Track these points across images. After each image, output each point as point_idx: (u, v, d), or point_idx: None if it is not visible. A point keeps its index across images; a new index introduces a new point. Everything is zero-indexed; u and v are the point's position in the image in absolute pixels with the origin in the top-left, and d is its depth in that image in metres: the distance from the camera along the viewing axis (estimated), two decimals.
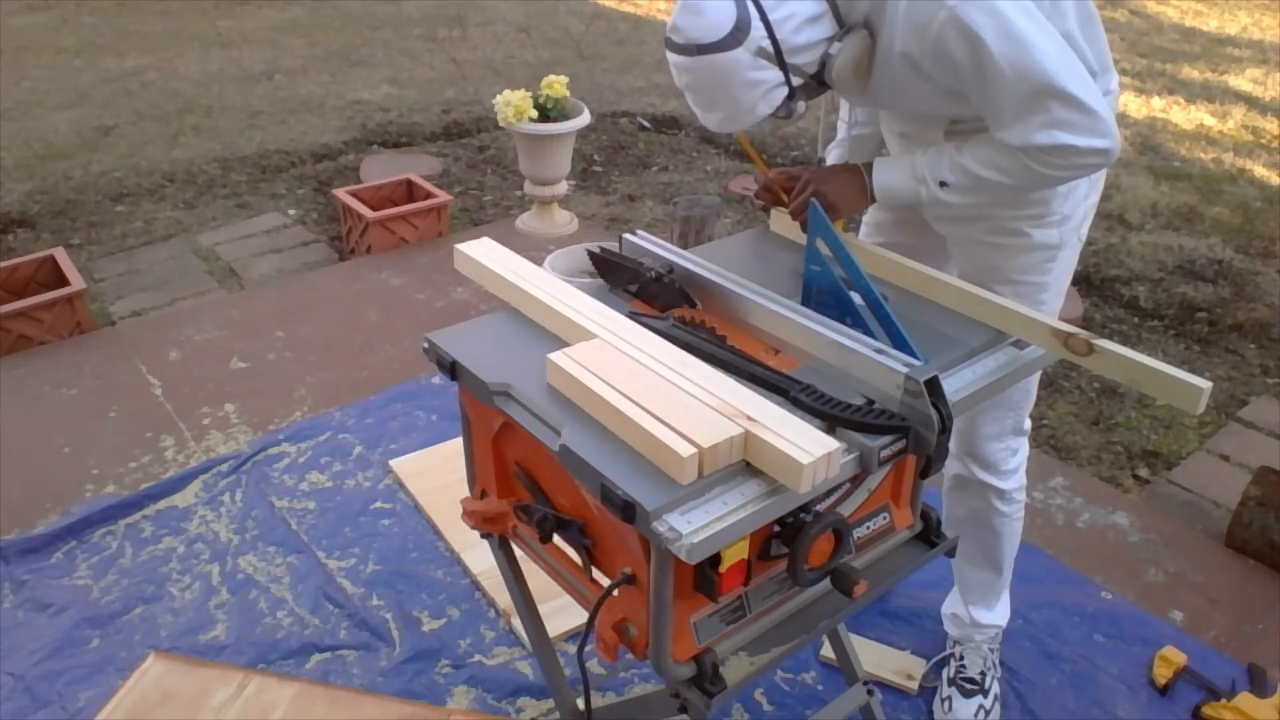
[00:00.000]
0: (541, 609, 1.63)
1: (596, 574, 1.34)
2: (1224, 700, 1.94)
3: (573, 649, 2.02)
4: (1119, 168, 4.93)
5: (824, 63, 1.41)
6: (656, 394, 1.15)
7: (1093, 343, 1.28)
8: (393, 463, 2.64)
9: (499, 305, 1.49)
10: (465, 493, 1.55)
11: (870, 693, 1.66)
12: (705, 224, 2.97)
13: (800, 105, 1.46)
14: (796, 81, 1.41)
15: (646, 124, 5.53)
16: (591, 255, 1.56)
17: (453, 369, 1.34)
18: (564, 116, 3.29)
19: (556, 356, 1.23)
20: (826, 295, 1.45)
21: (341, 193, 3.99)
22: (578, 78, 5.78)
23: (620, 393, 1.15)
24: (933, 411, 1.15)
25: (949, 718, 1.90)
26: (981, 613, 1.98)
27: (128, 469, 2.64)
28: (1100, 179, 1.66)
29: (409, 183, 4.13)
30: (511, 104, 3.19)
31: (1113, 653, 2.10)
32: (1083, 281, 3.79)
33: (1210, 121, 5.75)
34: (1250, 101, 6.14)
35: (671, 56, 1.40)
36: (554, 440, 1.16)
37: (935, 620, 2.10)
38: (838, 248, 1.41)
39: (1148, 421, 2.96)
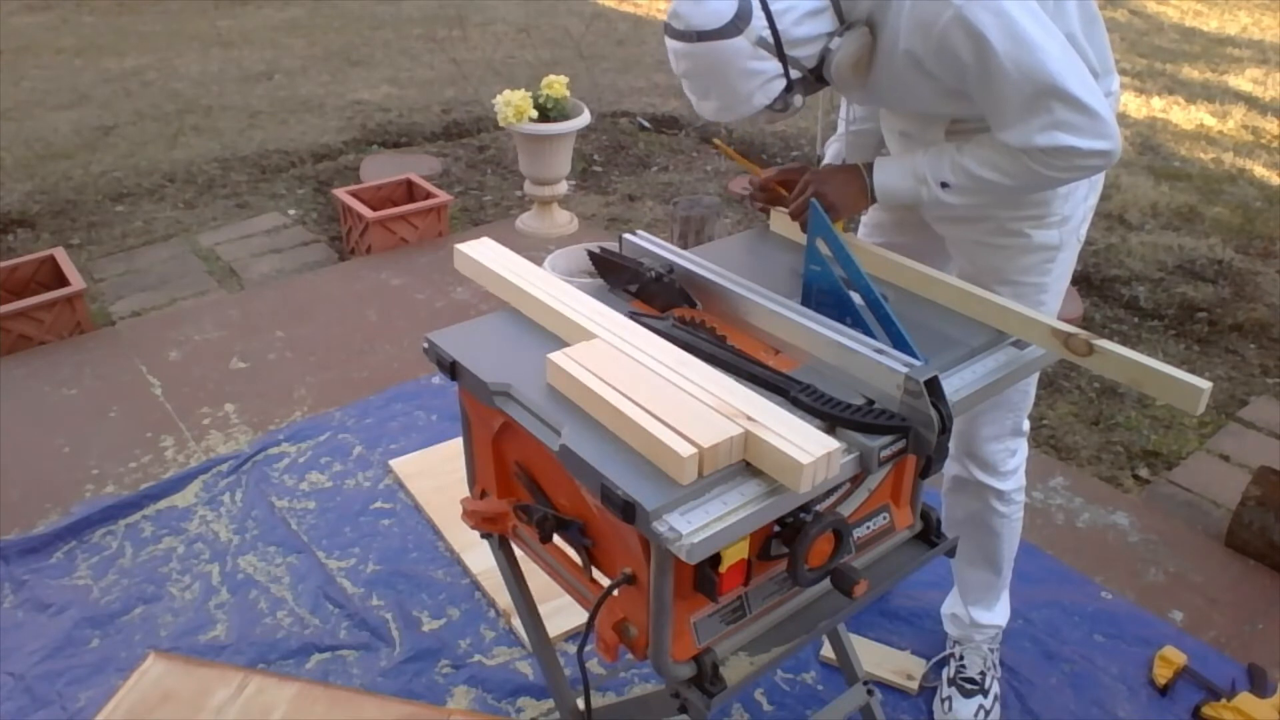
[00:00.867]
0: (541, 609, 1.63)
1: (596, 574, 1.34)
2: (1224, 700, 1.94)
3: (573, 649, 2.02)
4: (1119, 167, 4.93)
5: (824, 58, 1.41)
6: (656, 394, 1.15)
7: (1093, 343, 1.28)
8: (393, 463, 2.64)
9: (499, 305, 1.49)
10: (465, 493, 1.55)
11: (870, 693, 1.66)
12: (705, 224, 2.97)
13: (798, 99, 1.45)
14: (795, 75, 1.41)
15: (646, 124, 5.53)
16: (591, 255, 1.56)
17: (453, 369, 1.34)
18: (564, 116, 3.29)
19: (556, 356, 1.23)
20: (826, 295, 1.45)
21: (341, 193, 3.99)
22: (578, 78, 5.78)
23: (620, 393, 1.15)
24: (933, 411, 1.15)
25: (949, 718, 1.90)
26: (981, 613, 1.98)
27: (128, 469, 2.64)
28: (1100, 180, 1.66)
29: (409, 183, 4.13)
30: (511, 104, 3.19)
31: (1113, 653, 2.10)
32: (1083, 281, 3.79)
33: (1210, 121, 5.75)
34: (1250, 101, 6.14)
35: (670, 42, 1.40)
36: (554, 440, 1.16)
37: (935, 620, 2.10)
38: (838, 248, 1.41)
39: (1148, 421, 2.96)
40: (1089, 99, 1.32)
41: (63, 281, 3.31)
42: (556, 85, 3.27)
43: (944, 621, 2.06)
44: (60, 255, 3.42)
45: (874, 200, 1.55)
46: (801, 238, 1.64)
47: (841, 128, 1.82)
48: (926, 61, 1.37)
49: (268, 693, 1.59)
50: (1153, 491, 2.66)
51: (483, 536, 1.56)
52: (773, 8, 1.35)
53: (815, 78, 1.44)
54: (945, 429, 1.16)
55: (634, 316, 1.38)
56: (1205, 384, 1.21)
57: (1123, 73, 6.54)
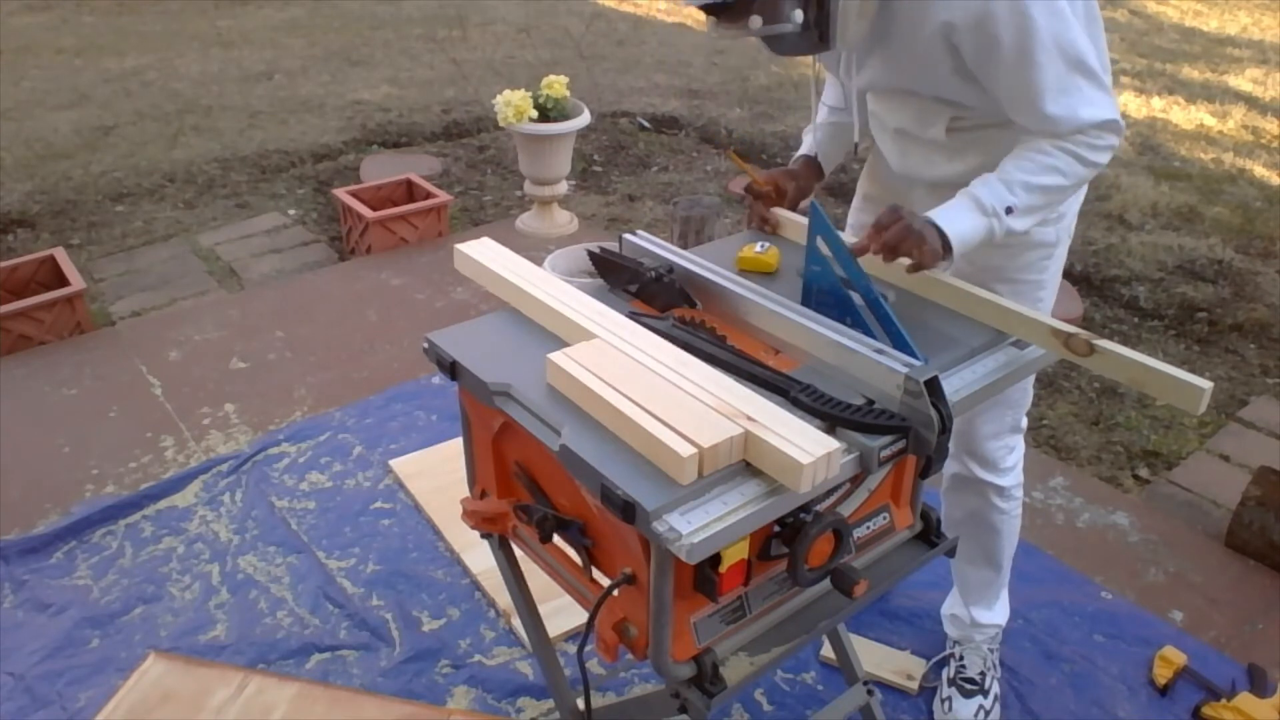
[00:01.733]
0: (541, 609, 1.62)
1: (596, 574, 1.33)
2: (1224, 700, 1.94)
3: (573, 649, 2.02)
4: (1119, 168, 4.93)
5: None
6: (656, 394, 1.15)
7: (1093, 343, 1.28)
8: (393, 463, 2.64)
9: (499, 305, 1.48)
10: (465, 493, 1.55)
11: (870, 693, 1.66)
12: (705, 224, 2.97)
13: (798, 14, 1.36)
14: None
15: (646, 124, 5.53)
16: (591, 255, 1.56)
17: (453, 369, 1.34)
18: (564, 116, 3.29)
19: (556, 356, 1.23)
20: (826, 295, 1.44)
21: (341, 193, 3.99)
22: (578, 78, 5.78)
23: (620, 393, 1.15)
24: (933, 411, 1.15)
25: (949, 718, 1.90)
26: (981, 612, 1.98)
27: (128, 469, 2.64)
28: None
29: (409, 183, 4.13)
30: (511, 104, 3.19)
31: (1113, 653, 2.10)
32: (1083, 281, 3.79)
33: (1210, 121, 5.75)
34: (1250, 101, 6.14)
35: None
36: (554, 440, 1.16)
37: (935, 620, 2.10)
38: (837, 248, 1.40)
39: (1148, 421, 2.96)
40: (1103, 75, 1.35)
41: (63, 281, 3.31)
42: (556, 85, 3.27)
43: (944, 622, 2.06)
44: (60, 255, 3.42)
45: (947, 257, 1.41)
46: (801, 238, 1.64)
47: (822, 115, 1.79)
48: (961, 35, 1.35)
49: (268, 693, 1.59)
50: (1153, 491, 2.66)
51: (483, 536, 1.56)
52: None
53: (818, 17, 1.37)
54: (945, 429, 1.16)
55: (634, 316, 1.38)
56: (1206, 384, 1.21)
57: (1123, 73, 6.55)
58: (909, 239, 1.38)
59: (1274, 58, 7.20)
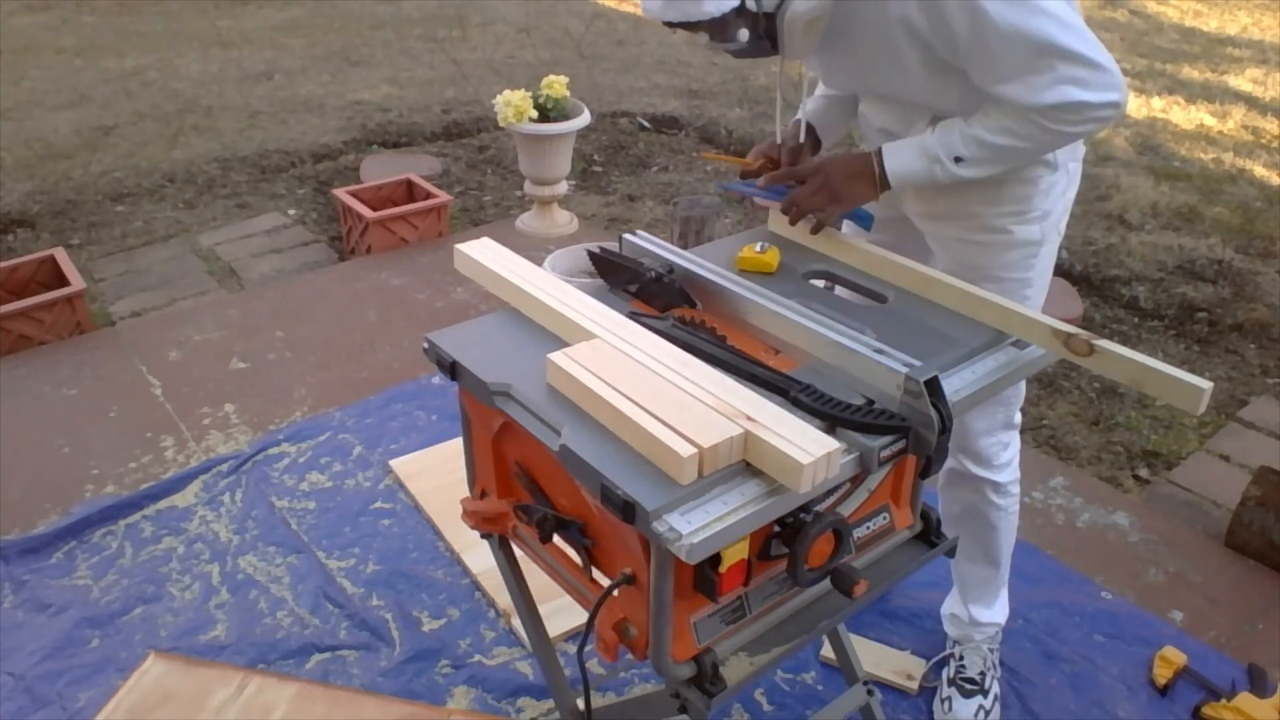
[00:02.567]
0: (541, 609, 1.62)
1: (596, 574, 1.34)
2: (1224, 700, 1.94)
3: (573, 649, 2.02)
4: (1119, 168, 4.93)
5: (781, 5, 1.39)
6: (656, 394, 1.15)
7: (1093, 343, 1.28)
8: (393, 463, 2.64)
9: (499, 305, 1.48)
10: (465, 493, 1.55)
11: (870, 693, 1.66)
12: (705, 224, 2.97)
13: (743, 34, 1.41)
14: (750, 5, 1.38)
15: (646, 124, 5.53)
16: (591, 255, 1.56)
17: (453, 369, 1.34)
18: (564, 116, 3.28)
19: (556, 356, 1.23)
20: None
21: (341, 193, 3.99)
22: (578, 78, 5.78)
23: (620, 393, 1.15)
24: (933, 411, 1.15)
25: (949, 718, 1.90)
26: (980, 610, 1.98)
27: (128, 469, 2.64)
28: (1078, 174, 1.66)
29: (409, 183, 4.13)
30: (511, 104, 3.19)
31: (1113, 653, 2.10)
32: (1083, 281, 3.79)
33: (1210, 121, 5.75)
34: (1250, 101, 6.14)
35: None
36: (554, 440, 1.16)
37: (935, 620, 2.10)
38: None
39: (1148, 421, 2.96)
40: (1091, 52, 1.32)
41: (63, 281, 3.31)
42: (556, 85, 3.26)
43: (944, 621, 2.06)
44: (60, 255, 3.42)
45: (885, 188, 1.52)
46: (800, 237, 1.64)
47: (818, 91, 1.80)
48: (920, 27, 1.37)
49: (268, 693, 1.59)
50: (1153, 491, 2.66)
51: (483, 536, 1.56)
52: None
53: (767, 30, 1.42)
54: (945, 429, 1.16)
55: (634, 316, 1.38)
56: (1206, 384, 1.21)
57: (1123, 73, 6.53)
58: (812, 201, 1.54)
59: (1274, 58, 7.20)
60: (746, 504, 1.07)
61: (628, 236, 1.61)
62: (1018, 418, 1.81)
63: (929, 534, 1.44)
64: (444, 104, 5.78)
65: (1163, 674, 2.01)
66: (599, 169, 4.93)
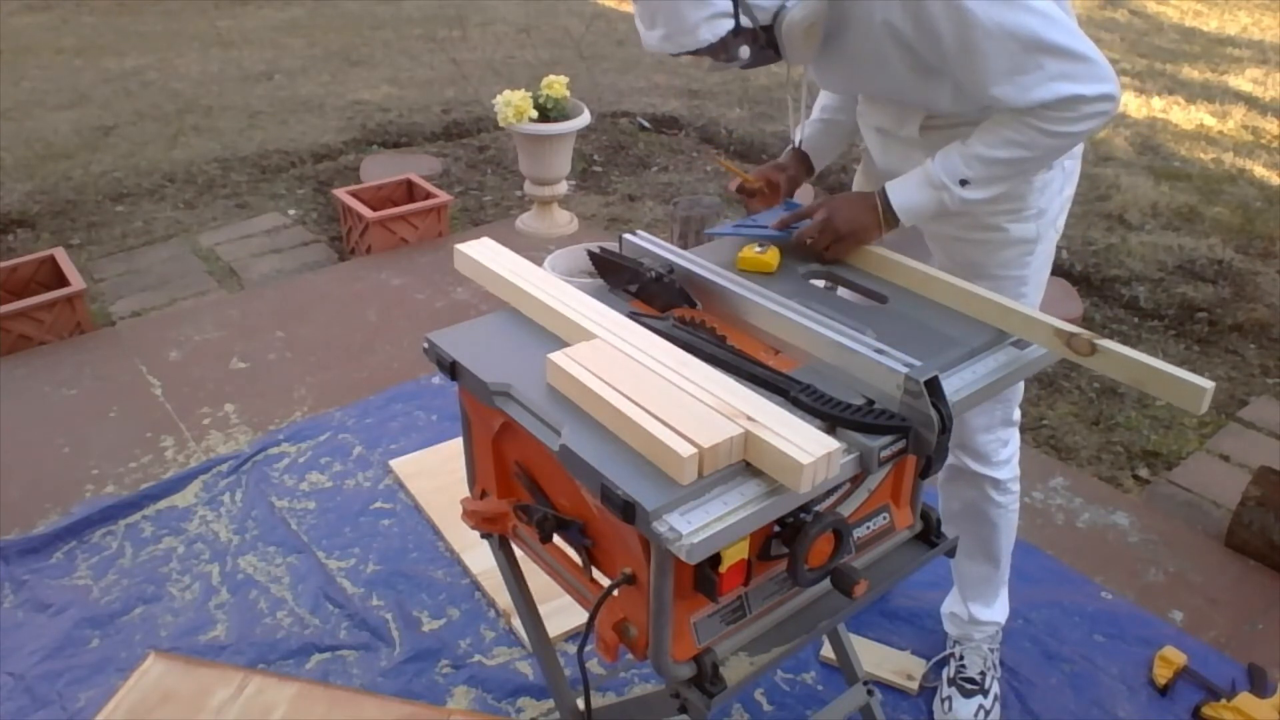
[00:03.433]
0: (541, 609, 1.62)
1: (596, 574, 1.33)
2: (1224, 700, 1.94)
3: (573, 649, 2.02)
4: (1119, 168, 4.93)
5: (778, 16, 1.40)
6: (656, 394, 1.15)
7: (1096, 343, 1.28)
8: (393, 463, 2.64)
9: (499, 305, 1.48)
10: (465, 493, 1.55)
11: (870, 693, 1.66)
12: (705, 224, 2.97)
13: (744, 51, 1.43)
14: (745, 23, 1.39)
15: (646, 124, 5.53)
16: (591, 255, 1.56)
17: (453, 369, 1.34)
18: (564, 116, 3.29)
19: (556, 356, 1.23)
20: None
21: (341, 193, 3.99)
22: (578, 78, 5.78)
23: (620, 393, 1.15)
24: (933, 411, 1.15)
25: (949, 718, 1.90)
26: (980, 609, 1.98)
27: (128, 469, 2.64)
28: (1075, 172, 1.66)
29: (409, 183, 4.13)
30: (511, 104, 3.19)
31: (1113, 653, 2.10)
32: (1083, 281, 3.79)
33: (1210, 121, 5.75)
34: (1250, 101, 6.14)
35: None
36: (554, 440, 1.16)
37: (935, 620, 2.10)
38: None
39: (1148, 421, 2.96)
40: (1078, 45, 1.32)
41: (63, 281, 3.30)
42: (556, 85, 3.26)
43: (944, 621, 2.06)
44: (60, 255, 3.42)
45: (891, 225, 1.52)
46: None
47: (814, 113, 1.81)
48: (905, 32, 1.37)
49: (268, 693, 1.59)
50: (1153, 491, 2.66)
51: (483, 536, 1.56)
52: None
53: (767, 40, 1.43)
54: (945, 429, 1.16)
55: (634, 316, 1.38)
56: (1208, 384, 1.21)
57: (1123, 73, 6.54)
58: (819, 240, 1.55)
59: (1274, 58, 7.20)
60: (746, 504, 1.07)
61: (628, 236, 1.61)
62: (1017, 415, 1.81)
63: (929, 534, 1.44)
64: (444, 104, 5.78)
65: (1163, 674, 2.01)
66: (599, 169, 4.93)
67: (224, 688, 1.59)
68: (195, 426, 2.82)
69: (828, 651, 2.03)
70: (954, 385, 1.29)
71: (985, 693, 1.92)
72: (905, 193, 1.49)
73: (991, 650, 2.01)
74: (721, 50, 1.41)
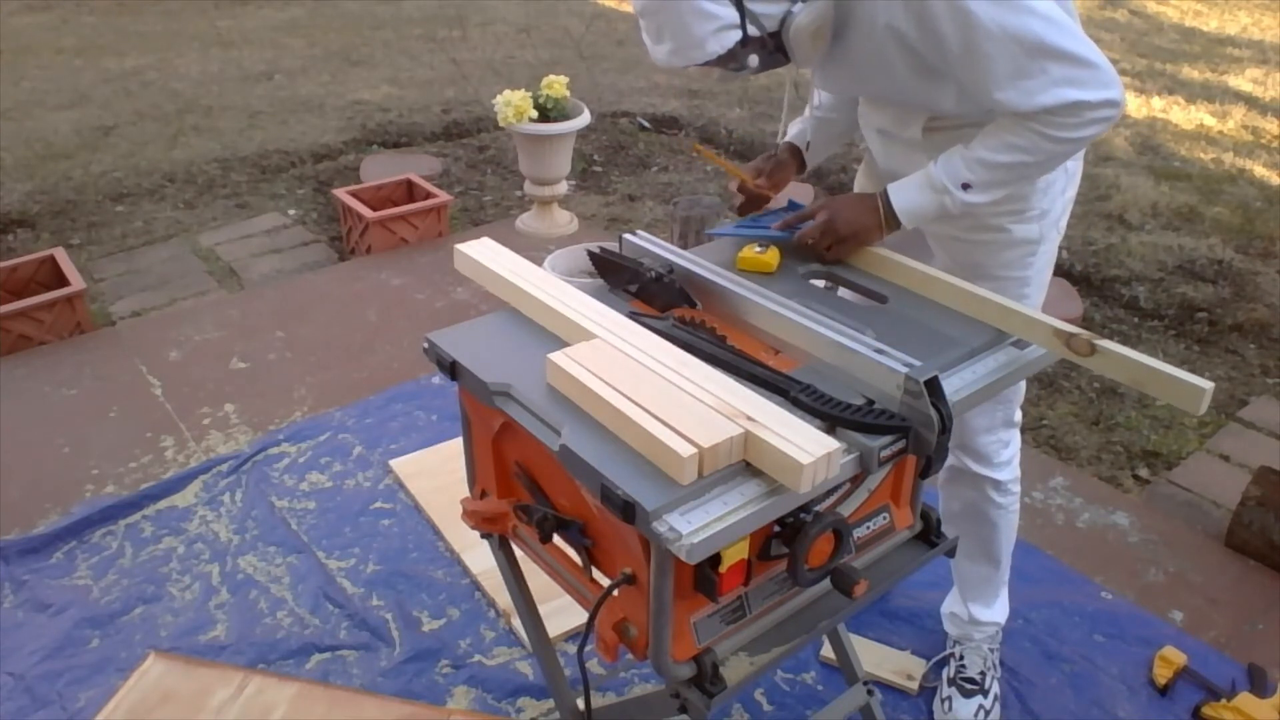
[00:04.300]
0: (541, 609, 1.62)
1: (596, 574, 1.33)
2: (1224, 700, 1.94)
3: (573, 649, 2.02)
4: (1119, 168, 4.93)
5: (784, 23, 1.40)
6: (656, 394, 1.15)
7: (1095, 343, 1.28)
8: (393, 463, 2.64)
9: (499, 305, 1.48)
10: (465, 493, 1.55)
11: (870, 693, 1.66)
12: (705, 224, 2.97)
13: (753, 59, 1.43)
14: (753, 32, 1.39)
15: (646, 124, 5.53)
16: (591, 255, 1.56)
17: (453, 369, 1.34)
18: (564, 116, 3.29)
19: (556, 356, 1.23)
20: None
21: (341, 193, 3.99)
22: (578, 78, 5.78)
23: (620, 393, 1.15)
24: (933, 411, 1.15)
25: (949, 718, 1.90)
26: (980, 609, 1.98)
27: (128, 469, 2.64)
28: (1078, 172, 1.65)
29: (409, 183, 4.13)
30: (511, 104, 3.19)
31: (1113, 653, 2.10)
32: (1083, 281, 3.79)
33: (1210, 121, 5.75)
34: (1250, 101, 6.14)
35: None
36: (554, 440, 1.16)
37: (935, 620, 2.10)
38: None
39: (1148, 421, 2.96)
40: (1083, 50, 1.31)
41: (63, 281, 3.31)
42: (556, 85, 3.26)
43: (944, 620, 2.06)
44: (60, 255, 3.42)
45: (893, 227, 1.52)
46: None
47: (808, 111, 1.81)
48: (908, 35, 1.37)
49: (268, 693, 1.59)
50: (1153, 491, 2.66)
51: (483, 536, 1.56)
52: None
53: (775, 46, 1.43)
54: (945, 429, 1.16)
55: (634, 316, 1.38)
56: (1208, 384, 1.21)
57: (1122, 73, 6.54)
58: (821, 240, 1.54)
59: (1274, 58, 7.20)
60: (746, 504, 1.07)
61: (628, 236, 1.61)
62: (1018, 416, 1.81)
63: (929, 534, 1.44)
64: (444, 104, 5.78)
65: (1163, 674, 2.01)
66: (599, 169, 4.93)
67: (224, 688, 1.59)
68: (195, 426, 2.82)
69: (828, 651, 2.03)
70: (954, 385, 1.29)
71: (985, 693, 1.92)
72: (907, 195, 1.49)
73: (991, 650, 2.01)
74: (731, 60, 1.41)
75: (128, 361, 3.15)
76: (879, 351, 1.25)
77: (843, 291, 1.58)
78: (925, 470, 1.22)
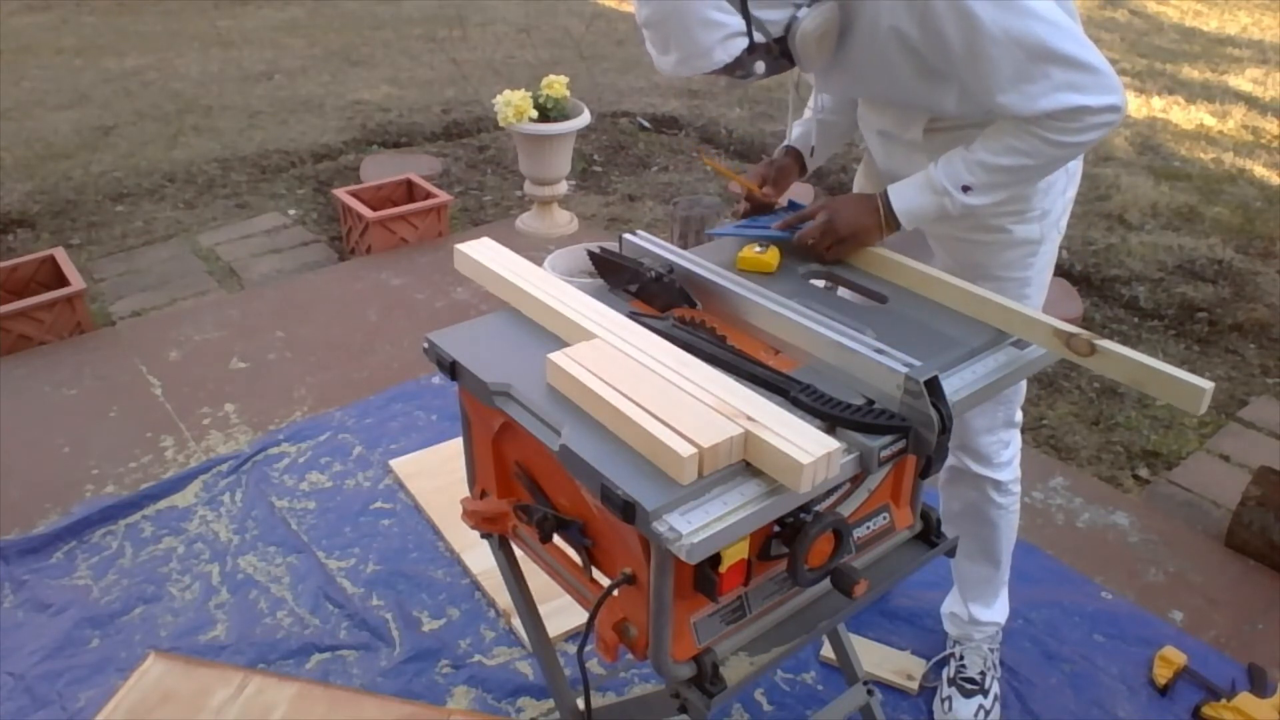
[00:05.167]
0: (541, 609, 1.62)
1: (596, 574, 1.33)
2: (1224, 700, 1.94)
3: (573, 649, 2.02)
4: (1119, 168, 4.93)
5: (790, 28, 1.39)
6: (656, 394, 1.15)
7: (1095, 343, 1.28)
8: (393, 463, 2.64)
9: (499, 305, 1.48)
10: (465, 493, 1.55)
11: (870, 693, 1.66)
12: (705, 224, 2.97)
13: (760, 66, 1.43)
14: (759, 38, 1.39)
15: (646, 124, 5.53)
16: (591, 255, 1.56)
17: (453, 369, 1.34)
18: (564, 116, 3.29)
19: (556, 356, 1.23)
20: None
21: (341, 193, 3.99)
22: (578, 78, 5.78)
23: (620, 393, 1.15)
24: (933, 411, 1.15)
25: (949, 718, 1.90)
26: (980, 610, 1.98)
27: (128, 469, 2.64)
28: (1078, 173, 1.65)
29: (409, 183, 4.13)
30: (511, 104, 3.19)
31: (1113, 653, 2.10)
32: (1083, 281, 3.79)
33: (1210, 121, 5.75)
34: (1250, 101, 6.14)
35: None
36: (554, 440, 1.16)
37: (935, 620, 2.10)
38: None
39: (1148, 421, 2.96)
40: (1085, 55, 1.31)
41: (63, 281, 3.30)
42: (556, 85, 3.27)
43: (944, 620, 2.06)
44: (60, 255, 3.42)
45: (893, 228, 1.52)
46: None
47: (808, 113, 1.81)
48: (911, 36, 1.37)
49: (268, 693, 1.59)
50: (1153, 491, 2.66)
51: (483, 536, 1.56)
52: None
53: (781, 51, 1.43)
54: (945, 429, 1.16)
55: (634, 316, 1.38)
56: (1208, 384, 1.21)
57: (1123, 73, 6.55)
58: (821, 240, 1.55)
59: (1274, 58, 7.20)
60: (746, 504, 1.07)
61: (628, 236, 1.61)
62: (1018, 416, 1.81)
63: (929, 534, 1.44)
64: (444, 104, 5.78)
65: (1163, 674, 2.01)
66: (599, 169, 4.93)
67: (224, 688, 1.59)
68: (195, 426, 2.82)
69: (828, 651, 2.04)
70: (954, 385, 1.29)
71: (985, 693, 1.92)
72: (907, 196, 1.49)
73: (991, 650, 2.01)
74: (738, 68, 1.41)
75: (128, 361, 3.15)
76: (879, 351, 1.25)
77: (843, 291, 1.58)
78: (925, 470, 1.22)
